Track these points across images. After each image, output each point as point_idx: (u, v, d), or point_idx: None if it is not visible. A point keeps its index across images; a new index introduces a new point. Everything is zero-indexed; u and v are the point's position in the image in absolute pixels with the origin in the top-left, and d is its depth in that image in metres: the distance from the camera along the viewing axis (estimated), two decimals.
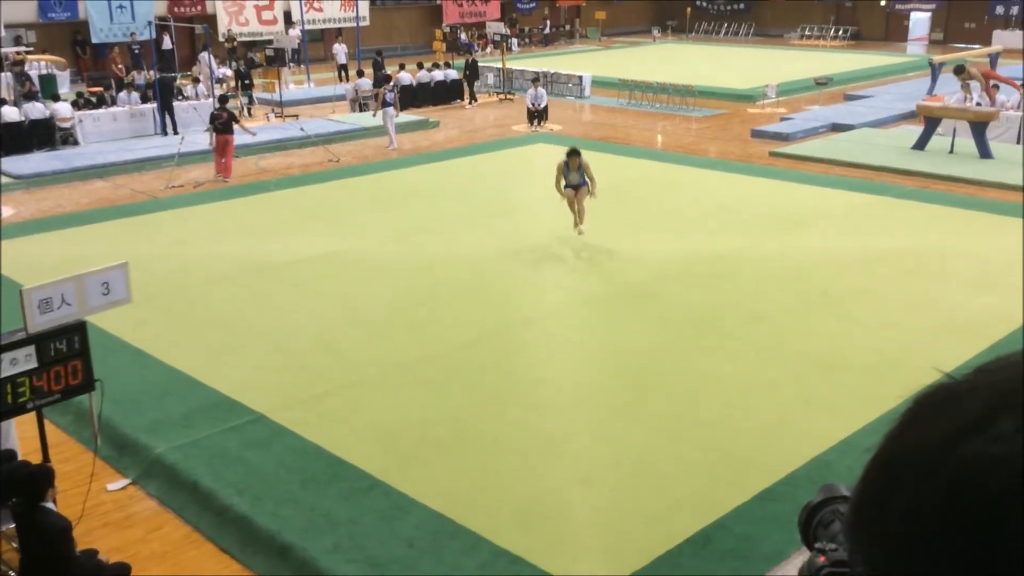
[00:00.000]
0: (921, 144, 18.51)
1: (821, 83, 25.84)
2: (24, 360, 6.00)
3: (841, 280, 11.37)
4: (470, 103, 26.18)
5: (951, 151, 17.91)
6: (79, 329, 6.26)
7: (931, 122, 18.68)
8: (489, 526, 6.43)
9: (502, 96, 27.59)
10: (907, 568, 0.63)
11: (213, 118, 17.76)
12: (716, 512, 6.55)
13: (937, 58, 26.07)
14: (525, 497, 6.82)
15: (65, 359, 6.19)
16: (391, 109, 20.24)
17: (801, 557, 2.24)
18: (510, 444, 7.61)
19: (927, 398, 0.69)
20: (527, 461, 7.34)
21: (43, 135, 20.08)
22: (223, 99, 18.99)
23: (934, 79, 24.93)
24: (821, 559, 1.28)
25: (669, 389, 8.56)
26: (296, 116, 23.59)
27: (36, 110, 20.31)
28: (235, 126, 17.74)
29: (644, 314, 10.44)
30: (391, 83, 22.04)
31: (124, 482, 7.36)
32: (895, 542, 0.65)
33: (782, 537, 6.20)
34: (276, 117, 23.80)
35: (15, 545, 5.81)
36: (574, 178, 12.27)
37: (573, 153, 12.32)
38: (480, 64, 28.38)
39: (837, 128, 21.56)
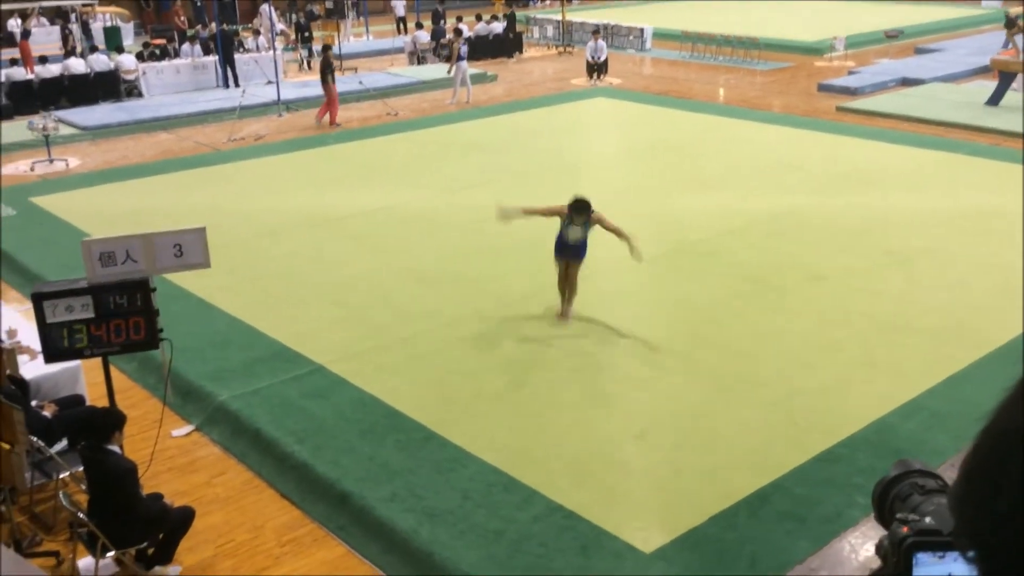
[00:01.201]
0: (995, 100, 17.88)
1: (891, 36, 25.05)
2: (81, 309, 6.11)
3: (907, 240, 11.09)
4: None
5: None
6: (141, 286, 6.17)
7: (1006, 77, 18.01)
8: (543, 480, 6.45)
9: (561, 49, 27.26)
10: (1021, 546, 0.59)
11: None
12: (774, 472, 6.49)
13: (1013, 11, 25.05)
14: (580, 452, 6.83)
15: (126, 314, 6.19)
16: (464, 63, 20.10)
17: (864, 529, 2.19)
18: (565, 398, 7.61)
19: None
20: (582, 416, 7.34)
21: (108, 87, 20.40)
22: (326, 48, 19.10)
23: None
24: (904, 529, 1.24)
25: (728, 346, 8.47)
26: (355, 69, 23.60)
27: (101, 62, 20.61)
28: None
29: (703, 271, 10.32)
30: (463, 36, 21.91)
31: (188, 428, 7.54)
32: (1009, 522, 0.61)
33: (841, 499, 6.13)
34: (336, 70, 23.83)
35: (83, 487, 6.00)
36: (574, 235, 8.65)
37: (580, 206, 8.59)
38: (539, 16, 28.00)
39: (907, 82, 20.92)
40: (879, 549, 1.35)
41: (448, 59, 21.89)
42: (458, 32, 22.77)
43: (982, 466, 0.64)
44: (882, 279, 9.94)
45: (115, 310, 6.17)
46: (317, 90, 20.57)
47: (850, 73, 22.24)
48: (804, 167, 14.34)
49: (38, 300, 6.06)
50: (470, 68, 20.86)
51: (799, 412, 7.32)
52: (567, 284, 8.94)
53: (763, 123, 17.46)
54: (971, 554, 0.66)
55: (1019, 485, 0.60)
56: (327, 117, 18.20)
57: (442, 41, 24.16)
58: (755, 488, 6.32)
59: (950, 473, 2.66)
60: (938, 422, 7.10)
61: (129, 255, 6.19)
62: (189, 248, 6.36)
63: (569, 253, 8.67)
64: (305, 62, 25.06)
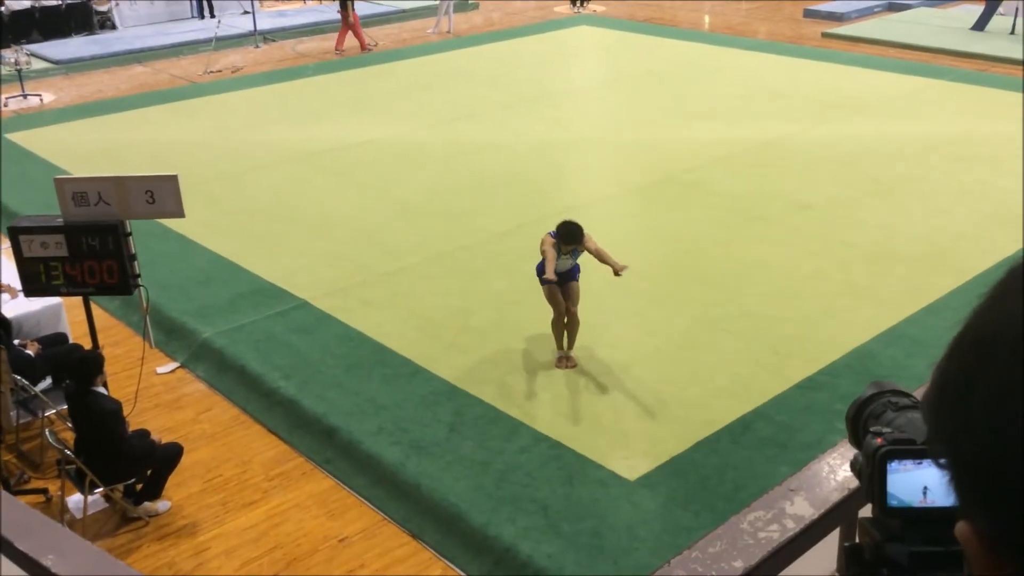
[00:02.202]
0: (981, 24, 17.72)
1: None
2: (55, 247, 6.09)
3: (892, 168, 11.08)
4: None
5: (1012, 31, 17.12)
6: (112, 230, 6.06)
7: (992, 1, 17.81)
8: (529, 412, 6.51)
9: None
10: (995, 452, 0.58)
11: None
12: (756, 400, 6.56)
13: None
14: (565, 384, 6.88)
15: (99, 256, 6.15)
16: None
17: (842, 450, 2.22)
18: (549, 331, 7.62)
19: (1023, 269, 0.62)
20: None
21: (81, 19, 19.93)
22: None
23: None
24: (878, 440, 1.24)
25: (711, 277, 8.49)
26: None
27: None
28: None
29: (687, 202, 10.29)
30: None
31: (173, 365, 7.54)
32: (982, 424, 0.60)
33: (821, 426, 6.22)
34: None
35: (69, 425, 6.01)
36: (564, 265, 7.00)
37: (570, 234, 6.92)
38: None
39: (893, 7, 20.69)
40: (853, 466, 1.36)
41: None
42: None
43: (956, 371, 0.63)
44: (867, 208, 9.95)
45: (88, 251, 6.13)
46: (295, 19, 20.26)
47: None
48: (789, 95, 14.23)
49: (14, 234, 6.08)
50: None
51: (781, 341, 7.38)
52: (569, 318, 7.14)
53: (748, 50, 17.27)
54: (943, 460, 0.65)
55: (994, 387, 0.59)
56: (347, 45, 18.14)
57: None
58: (737, 416, 6.40)
59: None
60: (918, 348, 7.17)
61: (101, 197, 6.10)
62: (161, 195, 6.13)
63: (564, 277, 7.06)
64: None
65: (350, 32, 18.00)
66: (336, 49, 18.06)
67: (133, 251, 6.23)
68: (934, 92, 14.28)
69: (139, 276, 6.30)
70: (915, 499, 1.21)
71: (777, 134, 12.33)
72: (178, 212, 6.20)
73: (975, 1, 19.76)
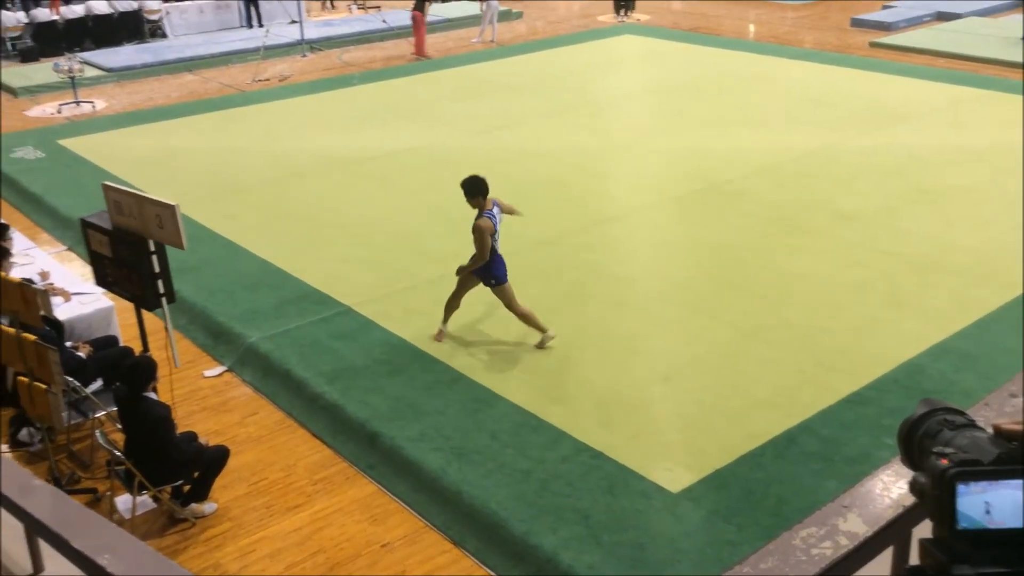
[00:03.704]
0: None
1: None
2: (106, 247, 6.45)
3: (940, 178, 10.92)
4: None
5: None
6: (141, 243, 6.18)
7: None
8: (570, 421, 6.51)
9: None
10: None
11: None
12: (801, 414, 6.50)
13: None
14: (606, 393, 6.87)
15: (132, 265, 6.31)
16: (495, 1, 19.71)
17: (896, 467, 2.20)
18: (591, 341, 7.63)
19: None
20: (608, 358, 7.36)
21: (132, 28, 20.31)
22: None
23: None
24: (943, 461, 1.24)
25: (755, 288, 8.43)
26: (378, 7, 23.32)
27: (124, 3, 20.49)
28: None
29: (731, 212, 10.23)
30: None
31: (220, 369, 7.64)
32: None
33: (868, 440, 6.14)
34: (359, 8, 23.58)
35: (119, 426, 6.11)
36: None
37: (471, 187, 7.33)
38: None
39: (943, 16, 20.40)
40: (913, 486, 1.35)
41: None
42: None
43: None
44: (913, 218, 9.82)
45: (125, 258, 6.33)
46: (341, 29, 20.51)
47: (884, 7, 21.71)
48: (835, 104, 14.10)
49: (84, 227, 6.54)
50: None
51: (827, 353, 7.30)
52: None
53: (794, 59, 17.14)
54: None
55: None
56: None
57: None
58: (782, 429, 6.34)
59: (984, 413, 2.63)
60: (968, 363, 7.06)
61: (130, 210, 6.24)
62: (165, 222, 6.03)
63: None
64: (328, 1, 24.79)
65: (422, 33, 18.47)
66: (421, 55, 18.42)
67: (156, 269, 6.17)
68: (983, 102, 14.06)
69: (165, 295, 6.24)
70: (982, 520, 1.21)
71: (822, 143, 12.22)
72: (177, 243, 6.06)
73: None
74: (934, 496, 1.25)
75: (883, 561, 2.02)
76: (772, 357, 7.28)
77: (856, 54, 17.57)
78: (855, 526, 2.02)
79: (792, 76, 16.05)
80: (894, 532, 1.98)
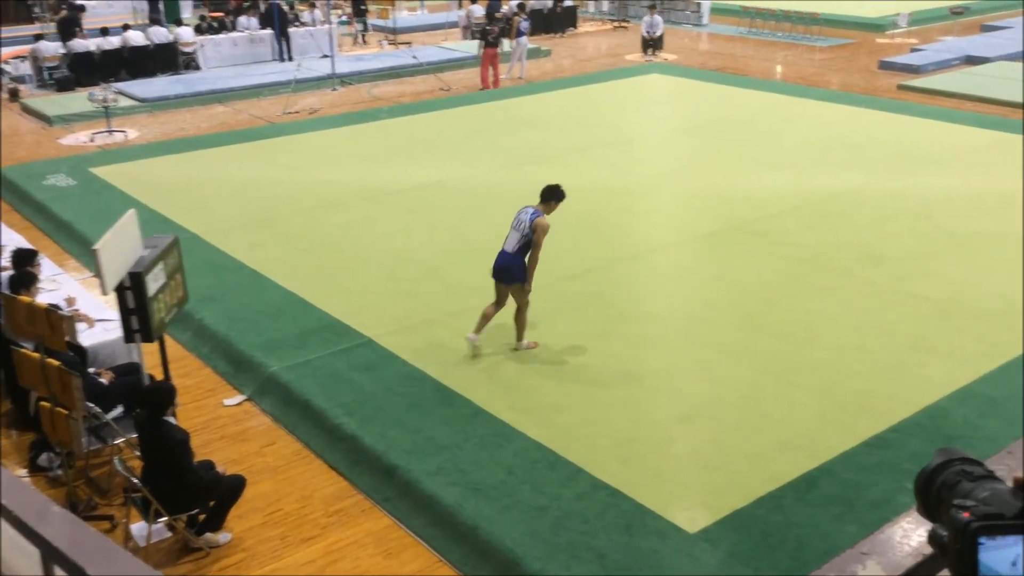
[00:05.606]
0: None
1: (957, 12, 24.37)
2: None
3: (968, 222, 10.84)
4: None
5: None
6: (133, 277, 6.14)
7: None
8: (588, 458, 6.45)
9: (616, 23, 26.98)
10: None
11: (484, 33, 18.95)
12: (822, 456, 6.41)
13: None
14: (626, 431, 6.82)
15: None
16: (525, 38, 20.01)
17: (916, 515, 2.15)
18: (612, 378, 7.59)
19: None
20: (629, 395, 7.32)
21: (166, 59, 20.66)
22: (491, 17, 20.00)
23: None
24: (965, 514, 1.22)
25: (779, 328, 8.37)
26: (409, 43, 23.62)
27: (160, 34, 20.88)
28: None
29: (756, 251, 10.19)
30: (525, 10, 21.88)
31: (240, 398, 7.66)
32: None
33: (889, 484, 6.04)
34: (389, 44, 23.89)
35: (137, 453, 6.14)
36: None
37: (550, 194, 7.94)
38: None
39: (972, 60, 20.36)
40: (933, 539, 1.32)
41: (476, 34, 21.90)
42: (521, 7, 22.60)
43: None
44: (940, 261, 9.73)
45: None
46: (371, 64, 20.81)
47: (913, 50, 21.70)
48: (863, 146, 14.06)
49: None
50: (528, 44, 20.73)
51: (850, 396, 7.21)
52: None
53: (822, 101, 17.13)
54: None
55: None
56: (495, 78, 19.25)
57: (496, 15, 24.04)
58: (802, 471, 6.25)
59: (1007, 462, 2.58)
60: (992, 409, 6.95)
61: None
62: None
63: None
64: (360, 36, 25.14)
65: (497, 65, 19.03)
66: (490, 86, 18.95)
67: (131, 306, 6.04)
68: (1012, 146, 13.96)
69: (139, 332, 6.11)
70: (1006, 572, 1.18)
71: (850, 185, 12.17)
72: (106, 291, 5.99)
73: None
74: (956, 550, 1.23)
75: None
76: (795, 399, 7.20)
77: (884, 96, 17.54)
78: (874, 573, 1.98)
79: (820, 117, 16.04)
80: None
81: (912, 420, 6.82)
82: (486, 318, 7.90)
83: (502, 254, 7.82)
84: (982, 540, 1.19)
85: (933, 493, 1.39)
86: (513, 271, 7.76)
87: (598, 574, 5.37)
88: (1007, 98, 16.72)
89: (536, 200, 7.95)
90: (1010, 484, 1.29)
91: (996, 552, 1.19)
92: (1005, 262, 9.69)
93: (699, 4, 26.97)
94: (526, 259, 7.72)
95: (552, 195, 7.91)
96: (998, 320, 8.39)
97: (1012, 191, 11.78)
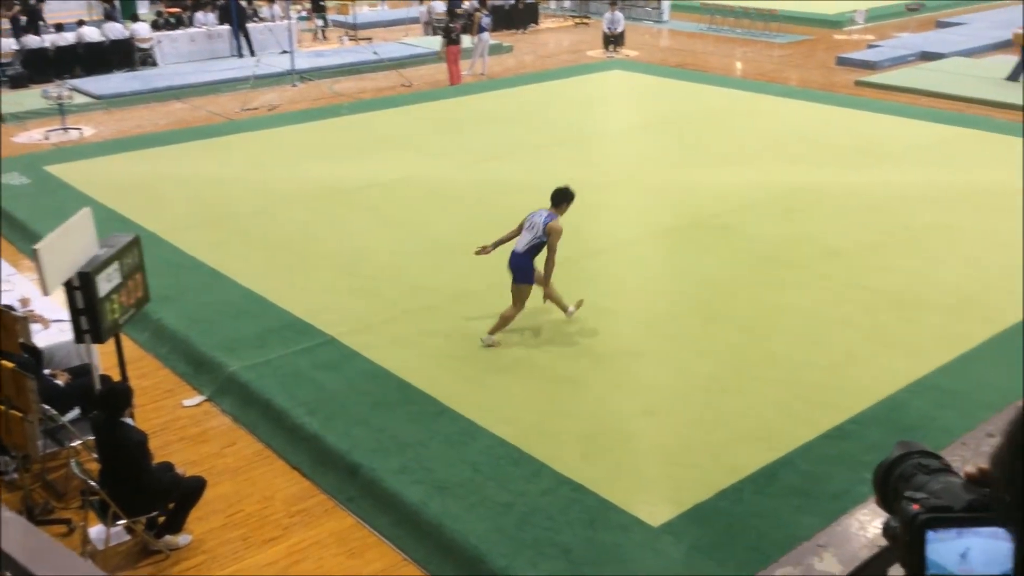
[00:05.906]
0: (1016, 75, 17.65)
1: (912, 8, 24.74)
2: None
3: (923, 215, 11.00)
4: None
5: None
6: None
7: None
8: (552, 454, 6.47)
9: (577, 20, 27.02)
10: None
11: (448, 30, 18.78)
12: (782, 448, 6.48)
13: None
14: (589, 426, 6.84)
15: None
16: (486, 34, 19.95)
17: (873, 506, 2.18)
18: (575, 373, 7.61)
19: None
20: (592, 391, 7.34)
21: (123, 56, 20.36)
22: (452, 13, 19.97)
23: None
24: (914, 507, 1.22)
25: (739, 322, 8.44)
26: (369, 39, 23.49)
27: (115, 30, 20.56)
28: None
29: (716, 246, 10.26)
30: (487, 5, 21.86)
31: (199, 398, 7.58)
32: None
33: (849, 476, 6.12)
34: (349, 40, 23.73)
35: (95, 456, 6.04)
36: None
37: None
38: None
39: (927, 56, 20.66)
40: (886, 531, 1.33)
41: (438, 30, 21.86)
42: (482, 2, 22.54)
43: None
44: (896, 255, 9.87)
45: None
46: (331, 60, 20.67)
47: (869, 47, 21.98)
48: (821, 142, 14.22)
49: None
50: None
51: (809, 388, 7.30)
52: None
53: (780, 97, 17.29)
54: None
55: None
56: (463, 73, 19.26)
57: (458, 11, 23.99)
58: (763, 464, 6.32)
59: (959, 451, 2.62)
60: (948, 400, 7.06)
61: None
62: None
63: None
64: (320, 31, 24.95)
65: (459, 62, 18.92)
66: (457, 83, 18.82)
67: (81, 306, 5.90)
68: (967, 141, 14.20)
69: (89, 333, 5.98)
70: (954, 566, 1.19)
71: (807, 180, 12.30)
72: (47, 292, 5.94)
73: (1009, 52, 19.69)
74: (905, 542, 1.23)
75: None
76: (755, 391, 7.27)
77: (841, 92, 17.75)
78: (830, 566, 1.99)
79: (778, 113, 16.19)
80: (869, 572, 1.96)
81: (870, 412, 6.92)
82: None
83: (513, 254, 7.88)
84: (929, 532, 1.20)
85: (890, 485, 1.40)
86: (520, 271, 7.84)
87: (563, 569, 5.38)
88: (962, 93, 16.99)
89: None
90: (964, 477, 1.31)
91: (943, 544, 1.20)
92: (959, 254, 9.86)
93: (659, 1, 27.09)
94: (534, 261, 7.82)
95: (563, 197, 8.01)
96: (952, 312, 8.53)
97: (965, 184, 11.98)
